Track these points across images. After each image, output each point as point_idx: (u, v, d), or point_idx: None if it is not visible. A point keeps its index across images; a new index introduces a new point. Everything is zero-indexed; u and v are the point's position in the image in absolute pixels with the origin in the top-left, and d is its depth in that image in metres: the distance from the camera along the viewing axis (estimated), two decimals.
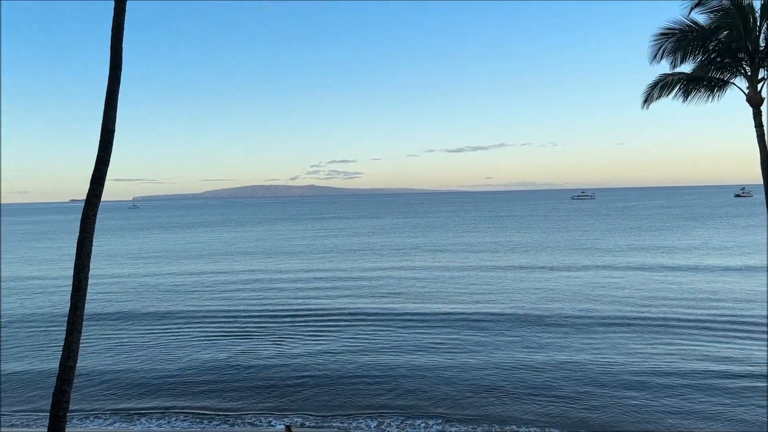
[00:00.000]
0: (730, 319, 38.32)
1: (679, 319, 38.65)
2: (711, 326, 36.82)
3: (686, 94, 18.56)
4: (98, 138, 13.13)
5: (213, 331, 38.66)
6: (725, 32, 17.39)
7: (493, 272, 63.31)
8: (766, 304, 42.70)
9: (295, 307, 45.77)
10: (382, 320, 40.35)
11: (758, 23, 17.13)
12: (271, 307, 46.13)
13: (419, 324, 39.11)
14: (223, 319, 42.39)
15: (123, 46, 13.24)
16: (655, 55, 18.17)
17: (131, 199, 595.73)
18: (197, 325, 40.58)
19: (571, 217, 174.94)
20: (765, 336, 33.96)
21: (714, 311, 41.28)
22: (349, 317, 41.65)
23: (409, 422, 22.90)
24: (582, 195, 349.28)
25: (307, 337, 36.45)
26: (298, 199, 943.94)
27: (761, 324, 36.86)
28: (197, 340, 36.29)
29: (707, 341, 33.61)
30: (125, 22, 13.20)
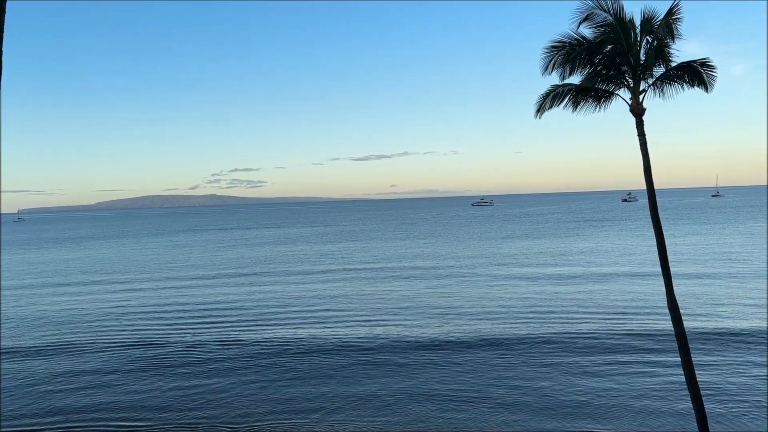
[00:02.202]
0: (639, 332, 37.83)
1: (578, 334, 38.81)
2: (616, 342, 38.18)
3: (575, 105, 19.31)
4: None
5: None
6: (610, 46, 18.26)
7: (392, 286, 63.78)
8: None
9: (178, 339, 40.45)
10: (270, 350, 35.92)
11: (639, 38, 18.12)
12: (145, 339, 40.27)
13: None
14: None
15: (3, 48, 12.13)
16: (546, 66, 18.74)
17: (16, 211, 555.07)
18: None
19: (474, 223, 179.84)
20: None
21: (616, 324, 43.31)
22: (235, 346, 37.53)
23: None
24: (481, 201, 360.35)
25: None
26: (199, 209, 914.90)
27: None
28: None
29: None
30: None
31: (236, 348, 36.49)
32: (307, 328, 41.33)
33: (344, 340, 37.47)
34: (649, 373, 29.50)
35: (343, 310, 47.36)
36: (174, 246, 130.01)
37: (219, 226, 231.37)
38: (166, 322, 45.74)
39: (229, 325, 43.58)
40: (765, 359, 31.11)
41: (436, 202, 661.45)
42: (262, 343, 37.32)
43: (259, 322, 43.95)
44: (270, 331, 40.60)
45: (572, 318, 41.44)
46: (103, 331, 43.26)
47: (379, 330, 39.66)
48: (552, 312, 43.75)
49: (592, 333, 37.00)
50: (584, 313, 43.13)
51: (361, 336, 38.25)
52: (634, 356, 32.11)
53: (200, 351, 36.19)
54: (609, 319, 40.87)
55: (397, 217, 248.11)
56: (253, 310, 48.81)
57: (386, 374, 30.45)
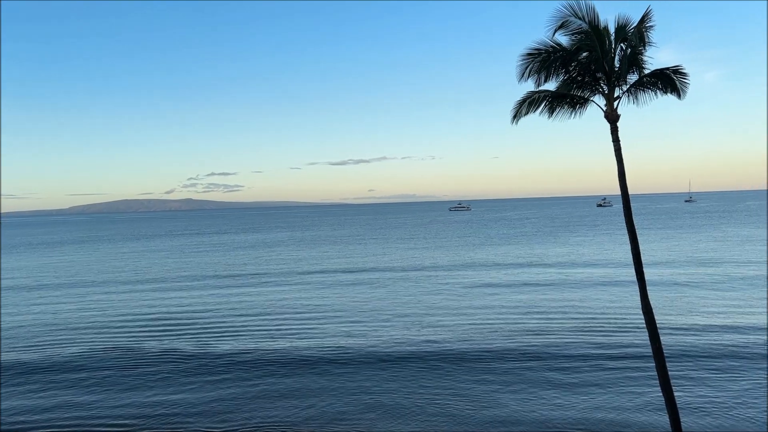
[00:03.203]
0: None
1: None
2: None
3: (551, 111, 19.53)
4: None
5: None
6: (585, 53, 18.51)
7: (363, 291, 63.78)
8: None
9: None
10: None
11: (613, 46, 18.40)
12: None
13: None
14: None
15: None
16: (523, 73, 18.94)
17: None
18: None
19: (452, 228, 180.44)
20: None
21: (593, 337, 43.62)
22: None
23: None
24: (459, 206, 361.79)
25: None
26: (175, 213, 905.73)
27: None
28: None
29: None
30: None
31: (206, 359, 35.75)
32: (275, 339, 39.86)
33: (307, 353, 35.66)
34: (627, 383, 29.85)
35: (313, 319, 46.16)
36: (149, 251, 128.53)
37: (195, 230, 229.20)
38: (139, 328, 45.20)
39: (199, 332, 42.74)
40: (741, 361, 31.69)
41: (414, 206, 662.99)
42: (231, 355, 36.06)
43: (231, 331, 42.98)
44: (241, 342, 39.48)
45: (548, 328, 40.42)
46: (74, 336, 42.59)
47: (349, 341, 38.48)
48: (527, 322, 42.76)
49: (566, 343, 36.32)
50: (561, 320, 42.73)
51: (331, 347, 36.90)
52: (612, 369, 31.61)
53: (168, 359, 35.57)
54: (585, 329, 39.94)
55: (376, 222, 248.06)
56: (225, 320, 47.54)
57: (352, 390, 28.90)
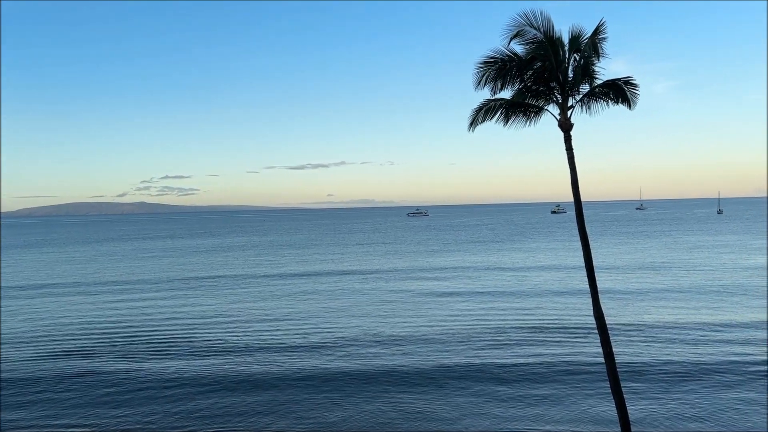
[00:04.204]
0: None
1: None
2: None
3: (506, 119, 19.72)
4: None
5: None
6: (539, 63, 18.77)
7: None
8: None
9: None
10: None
11: (567, 56, 18.72)
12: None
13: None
14: None
15: None
16: (479, 81, 19.08)
17: None
18: None
19: (409, 233, 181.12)
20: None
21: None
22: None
23: None
24: (417, 212, 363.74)
25: None
26: (128, 217, 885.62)
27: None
28: None
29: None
30: None
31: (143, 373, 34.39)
32: (212, 355, 37.07)
33: (247, 369, 33.59)
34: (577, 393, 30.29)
35: (257, 331, 43.48)
36: (100, 255, 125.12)
37: (149, 234, 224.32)
38: (86, 334, 43.90)
39: (132, 346, 40.55)
40: (687, 366, 32.57)
41: (373, 212, 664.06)
42: (169, 373, 33.35)
43: (168, 345, 40.34)
44: (168, 359, 36.47)
45: (498, 342, 38.65)
46: (15, 344, 41.09)
47: (290, 357, 36.10)
48: (479, 334, 40.87)
49: (518, 354, 35.89)
50: (513, 331, 41.67)
51: (268, 363, 34.62)
52: (563, 381, 31.67)
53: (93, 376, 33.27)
54: (537, 341, 38.85)
55: (334, 227, 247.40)
56: (165, 331, 44.87)
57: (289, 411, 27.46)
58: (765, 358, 33.34)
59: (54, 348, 39.74)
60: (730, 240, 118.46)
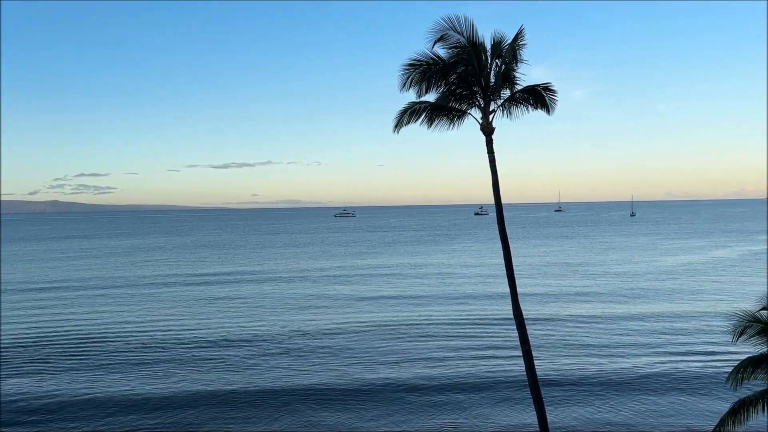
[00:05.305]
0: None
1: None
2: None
3: (431, 121, 19.95)
4: None
5: None
6: (462, 67, 19.10)
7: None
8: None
9: None
10: None
11: (489, 61, 19.14)
12: None
13: None
14: None
15: None
16: (404, 84, 19.22)
17: None
18: None
19: (336, 234, 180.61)
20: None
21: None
22: None
23: None
24: (344, 213, 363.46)
25: None
26: (40, 216, 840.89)
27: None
28: None
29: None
30: None
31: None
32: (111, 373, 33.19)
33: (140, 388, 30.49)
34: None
35: (161, 346, 39.42)
36: (10, 256, 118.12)
37: (62, 234, 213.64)
38: None
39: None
40: (605, 359, 33.99)
41: (299, 212, 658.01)
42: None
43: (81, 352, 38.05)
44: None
45: (417, 352, 36.72)
46: None
47: (194, 374, 32.84)
48: (399, 341, 39.88)
49: (438, 359, 36.16)
50: (436, 337, 41.09)
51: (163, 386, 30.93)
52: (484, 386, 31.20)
53: None
54: (460, 348, 38.88)
55: (259, 228, 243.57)
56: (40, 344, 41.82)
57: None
58: (673, 365, 34.72)
59: None
60: (642, 241, 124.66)
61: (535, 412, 19.91)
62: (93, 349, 38.98)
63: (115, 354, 37.39)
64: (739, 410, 15.71)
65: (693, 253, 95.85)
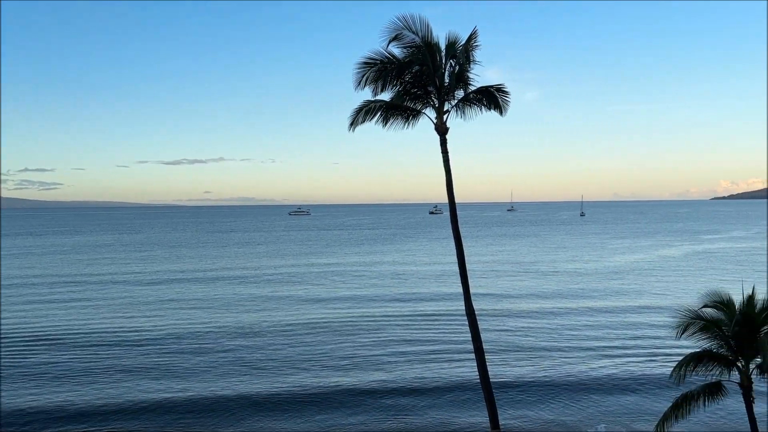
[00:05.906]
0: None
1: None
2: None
3: (386, 120, 20.00)
4: None
5: None
6: (417, 67, 19.19)
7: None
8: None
9: None
10: None
11: (443, 61, 19.29)
12: None
13: None
14: None
15: None
16: (360, 82, 19.20)
17: None
18: None
19: (290, 233, 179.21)
20: None
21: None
22: None
23: None
24: (299, 211, 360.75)
25: None
26: None
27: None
28: None
29: None
30: None
31: None
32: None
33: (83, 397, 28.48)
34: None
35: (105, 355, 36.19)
36: None
37: (3, 232, 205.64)
38: None
39: None
40: (550, 354, 34.67)
41: (253, 210, 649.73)
42: None
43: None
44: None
45: (371, 357, 35.70)
46: None
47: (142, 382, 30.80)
48: (354, 344, 38.97)
49: (389, 363, 35.87)
50: (389, 339, 40.28)
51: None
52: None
53: None
54: (415, 353, 37.64)
55: (211, 226, 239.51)
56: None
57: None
58: (622, 363, 35.71)
59: None
60: (591, 241, 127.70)
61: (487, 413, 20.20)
62: (29, 352, 36.88)
63: (49, 361, 35.10)
64: (681, 404, 16.28)
65: (640, 253, 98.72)
